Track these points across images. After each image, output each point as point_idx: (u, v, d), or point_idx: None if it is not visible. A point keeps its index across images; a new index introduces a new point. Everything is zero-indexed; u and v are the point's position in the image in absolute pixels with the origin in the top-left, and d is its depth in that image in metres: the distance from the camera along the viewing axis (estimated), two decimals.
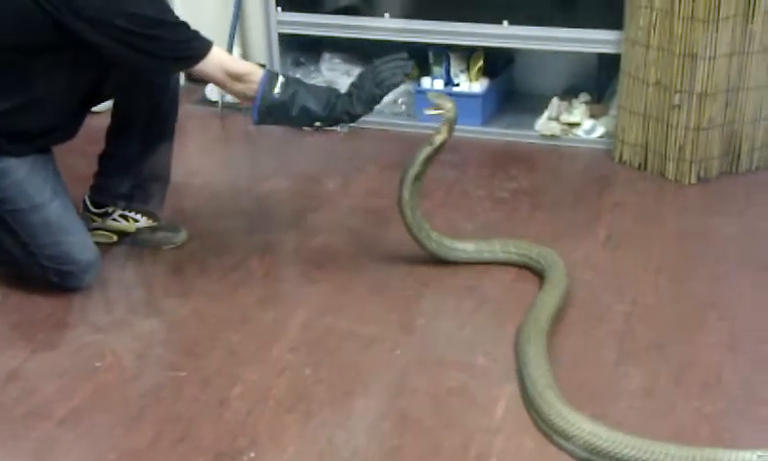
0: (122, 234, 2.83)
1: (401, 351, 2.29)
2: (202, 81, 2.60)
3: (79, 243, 2.53)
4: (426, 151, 2.51)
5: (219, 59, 2.37)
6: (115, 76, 2.54)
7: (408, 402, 2.10)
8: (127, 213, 2.81)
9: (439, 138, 2.50)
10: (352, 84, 2.43)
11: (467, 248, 2.68)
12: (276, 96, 2.36)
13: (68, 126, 2.59)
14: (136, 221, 2.82)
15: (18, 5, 2.25)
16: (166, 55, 2.33)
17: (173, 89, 2.72)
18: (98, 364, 2.27)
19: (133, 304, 2.54)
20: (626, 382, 2.14)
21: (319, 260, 2.77)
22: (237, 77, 2.38)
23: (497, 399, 2.09)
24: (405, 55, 2.45)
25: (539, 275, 2.58)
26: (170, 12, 2.37)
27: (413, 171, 2.52)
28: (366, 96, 2.40)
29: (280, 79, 2.39)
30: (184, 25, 2.34)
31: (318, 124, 2.43)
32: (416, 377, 2.19)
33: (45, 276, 2.52)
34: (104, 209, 2.81)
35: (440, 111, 2.49)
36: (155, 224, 2.84)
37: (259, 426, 2.03)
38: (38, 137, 2.50)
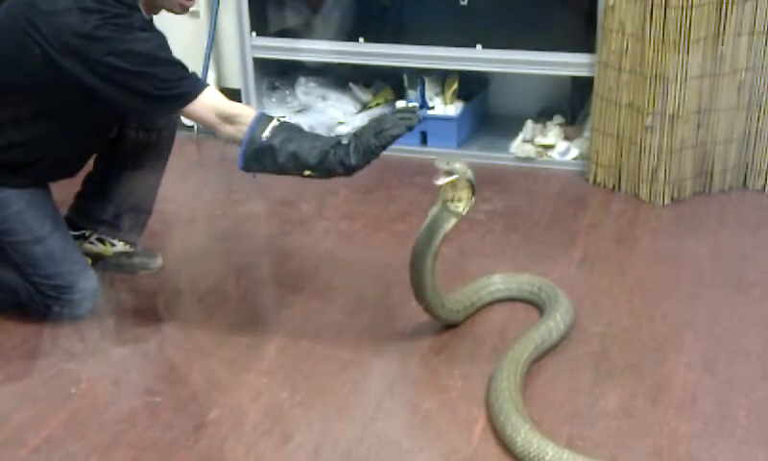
0: (98, 257, 2.81)
1: (378, 375, 2.29)
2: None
3: (82, 272, 2.51)
4: (451, 223, 2.24)
5: (211, 100, 2.27)
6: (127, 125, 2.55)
7: (384, 426, 2.09)
8: (104, 237, 2.79)
9: (462, 206, 2.24)
10: (353, 134, 2.23)
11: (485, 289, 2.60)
12: (264, 139, 2.20)
13: (73, 165, 2.59)
14: (113, 245, 2.80)
15: (15, 39, 2.24)
16: (155, 93, 2.23)
17: (172, 126, 2.71)
18: (72, 390, 2.25)
19: (108, 330, 2.52)
20: (602, 403, 2.15)
21: (294, 284, 2.77)
22: (228, 119, 2.26)
23: (475, 421, 2.09)
24: (415, 107, 2.27)
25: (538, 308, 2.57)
26: (165, 49, 2.30)
27: (431, 251, 2.24)
28: (363, 147, 2.17)
29: (273, 122, 2.24)
30: (179, 64, 2.27)
31: (308, 173, 2.23)
32: (392, 401, 2.19)
33: (46, 306, 2.49)
34: (81, 232, 2.79)
35: (452, 178, 2.18)
36: (131, 249, 2.82)
37: (236, 452, 2.01)
38: (41, 172, 2.49)
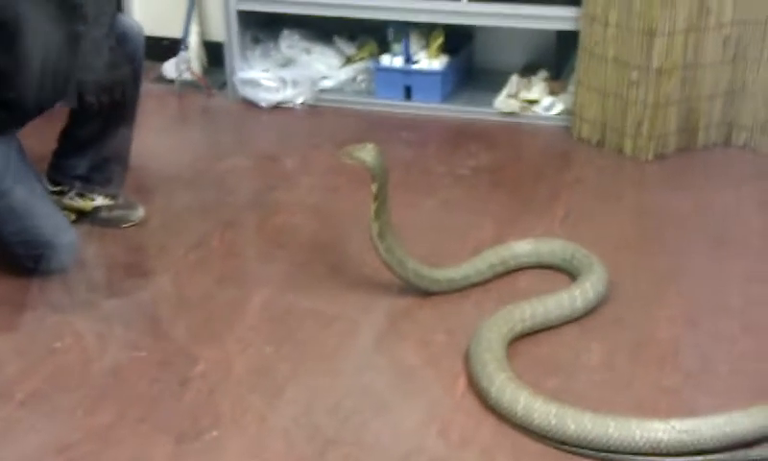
0: (79, 213, 2.79)
1: (363, 329, 2.29)
2: None
3: (49, 226, 2.48)
4: (371, 208, 2.29)
5: None
6: None
7: (370, 380, 2.10)
8: (83, 192, 2.77)
9: (373, 188, 2.28)
10: None
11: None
12: None
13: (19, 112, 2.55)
14: (92, 200, 2.78)
15: None
16: None
17: (135, 71, 2.67)
18: (58, 345, 2.24)
19: (93, 285, 2.50)
20: (586, 357, 2.16)
21: (279, 239, 2.76)
22: None
23: (458, 375, 2.10)
24: None
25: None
26: None
27: (374, 229, 2.30)
28: None
29: None
30: None
31: None
32: (377, 355, 2.20)
33: (22, 262, 2.48)
34: (60, 188, 2.77)
35: (357, 163, 2.28)
36: (111, 202, 2.80)
37: (221, 406, 2.01)
38: None
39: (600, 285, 2.34)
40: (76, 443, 1.91)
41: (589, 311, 2.31)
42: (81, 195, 2.78)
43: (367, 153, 2.26)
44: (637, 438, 1.83)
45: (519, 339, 2.21)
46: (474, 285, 2.45)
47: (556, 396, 1.96)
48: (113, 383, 2.10)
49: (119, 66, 2.46)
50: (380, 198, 2.28)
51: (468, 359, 2.11)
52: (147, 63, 3.97)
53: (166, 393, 2.06)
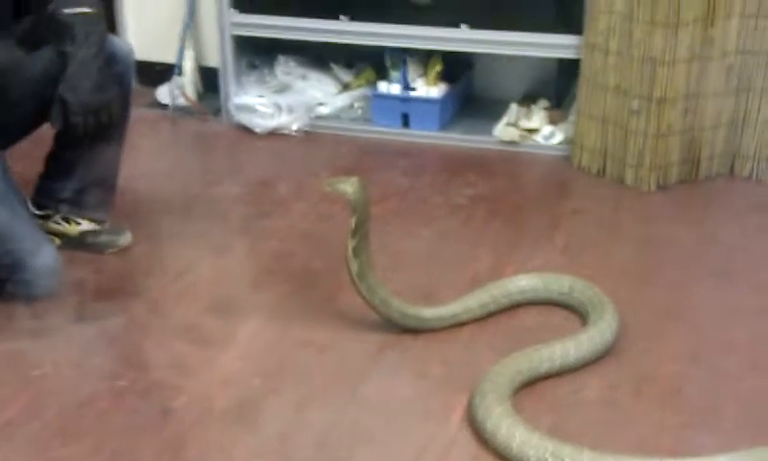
0: (64, 237, 2.72)
1: (354, 360, 2.22)
2: None
3: (31, 250, 2.42)
4: (349, 245, 2.20)
5: None
6: None
7: (360, 413, 2.02)
8: (69, 216, 2.70)
9: (351, 223, 2.20)
10: None
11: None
12: None
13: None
14: (78, 224, 2.71)
15: None
16: None
17: (124, 93, 2.61)
18: (36, 373, 2.16)
19: (73, 311, 2.43)
20: (586, 393, 2.09)
21: (270, 266, 2.70)
22: None
23: (453, 409, 2.02)
24: None
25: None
26: None
27: (354, 268, 2.22)
28: None
29: None
30: None
31: None
32: (368, 387, 2.12)
33: (3, 285, 2.41)
34: (46, 212, 2.70)
35: (339, 194, 2.20)
36: (98, 227, 2.73)
37: (204, 440, 1.94)
38: None
39: (614, 322, 2.26)
40: None
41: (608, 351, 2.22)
42: (66, 219, 2.71)
43: (350, 185, 2.18)
44: None
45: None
46: (463, 324, 2.36)
47: (553, 432, 1.88)
48: (91, 413, 2.02)
49: (107, 88, 2.40)
50: (359, 234, 2.20)
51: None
52: (141, 88, 4.04)
53: (146, 425, 1.99)
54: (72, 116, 2.34)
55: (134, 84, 3.91)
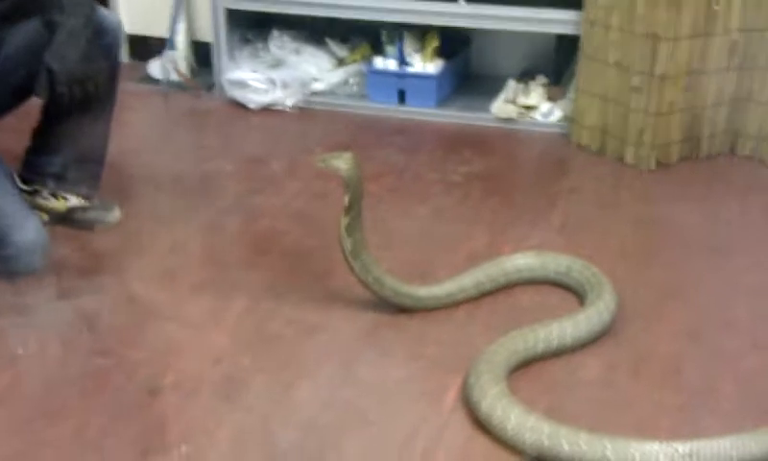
0: (53, 213, 2.67)
1: (346, 339, 2.17)
2: None
3: (15, 225, 2.37)
4: (342, 223, 2.15)
5: None
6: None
7: (352, 394, 1.98)
8: (57, 192, 2.65)
9: (345, 200, 2.14)
10: None
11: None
12: None
13: None
14: (66, 200, 2.66)
15: None
16: None
17: (112, 66, 2.56)
18: (20, 351, 2.12)
19: (61, 288, 2.38)
20: (583, 373, 2.04)
21: (262, 244, 2.65)
22: None
23: (447, 389, 1.97)
24: None
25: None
26: None
27: (347, 246, 2.16)
28: None
29: None
30: None
31: None
32: (361, 367, 2.07)
33: None
34: (33, 187, 2.65)
35: (332, 171, 2.15)
36: (86, 203, 2.68)
37: (192, 419, 1.89)
38: None
39: (612, 302, 2.21)
40: (34, 455, 1.79)
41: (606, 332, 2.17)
42: (54, 195, 2.66)
43: (343, 161, 2.13)
44: None
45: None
46: (459, 303, 2.31)
47: (550, 414, 1.84)
48: (77, 392, 1.98)
49: (94, 59, 2.35)
50: (353, 211, 2.15)
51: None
52: (133, 63, 4.00)
53: (133, 404, 1.94)
54: (58, 86, 2.29)
55: (126, 59, 3.92)
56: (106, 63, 2.44)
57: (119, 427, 1.87)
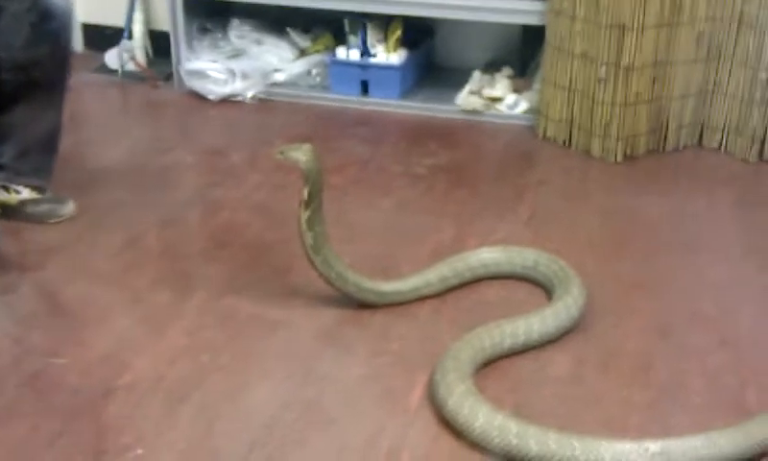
0: (4, 207, 2.58)
1: (308, 336, 2.12)
2: None
3: None
4: (303, 217, 2.09)
5: None
6: None
7: (315, 392, 1.92)
8: (8, 184, 2.56)
9: (304, 193, 2.08)
10: None
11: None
12: None
13: None
14: (18, 193, 2.57)
15: None
16: None
17: (61, 51, 2.47)
18: None
19: (11, 285, 2.30)
20: (551, 369, 2.01)
21: (221, 238, 2.58)
22: None
23: (412, 387, 1.92)
24: None
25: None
26: None
27: (308, 241, 2.11)
28: None
29: None
30: None
31: None
32: (323, 365, 2.02)
33: None
34: None
35: (291, 163, 2.09)
36: (39, 196, 2.59)
37: (148, 420, 1.83)
38: None
39: (580, 297, 2.16)
40: None
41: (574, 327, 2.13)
42: (5, 188, 2.58)
43: (302, 152, 2.07)
44: None
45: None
46: (424, 299, 2.26)
47: (518, 411, 1.80)
48: (29, 392, 1.91)
49: (39, 44, 2.29)
50: (313, 204, 2.09)
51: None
52: (89, 53, 3.89)
53: (87, 405, 1.87)
54: (2, 72, 2.20)
55: (81, 49, 3.81)
56: (52, 49, 2.37)
57: (73, 430, 1.80)
